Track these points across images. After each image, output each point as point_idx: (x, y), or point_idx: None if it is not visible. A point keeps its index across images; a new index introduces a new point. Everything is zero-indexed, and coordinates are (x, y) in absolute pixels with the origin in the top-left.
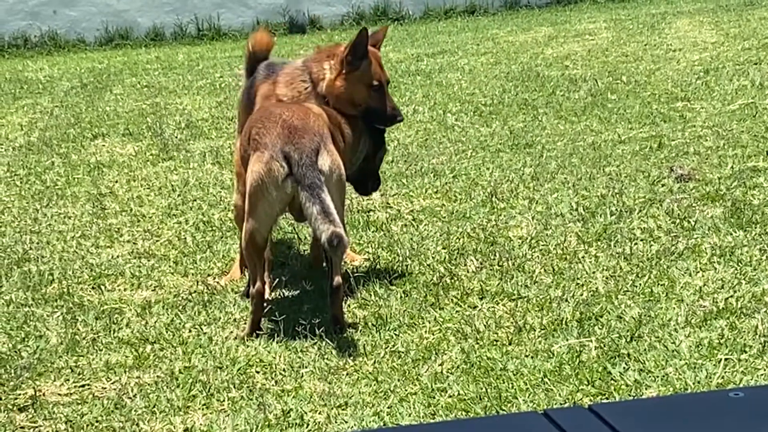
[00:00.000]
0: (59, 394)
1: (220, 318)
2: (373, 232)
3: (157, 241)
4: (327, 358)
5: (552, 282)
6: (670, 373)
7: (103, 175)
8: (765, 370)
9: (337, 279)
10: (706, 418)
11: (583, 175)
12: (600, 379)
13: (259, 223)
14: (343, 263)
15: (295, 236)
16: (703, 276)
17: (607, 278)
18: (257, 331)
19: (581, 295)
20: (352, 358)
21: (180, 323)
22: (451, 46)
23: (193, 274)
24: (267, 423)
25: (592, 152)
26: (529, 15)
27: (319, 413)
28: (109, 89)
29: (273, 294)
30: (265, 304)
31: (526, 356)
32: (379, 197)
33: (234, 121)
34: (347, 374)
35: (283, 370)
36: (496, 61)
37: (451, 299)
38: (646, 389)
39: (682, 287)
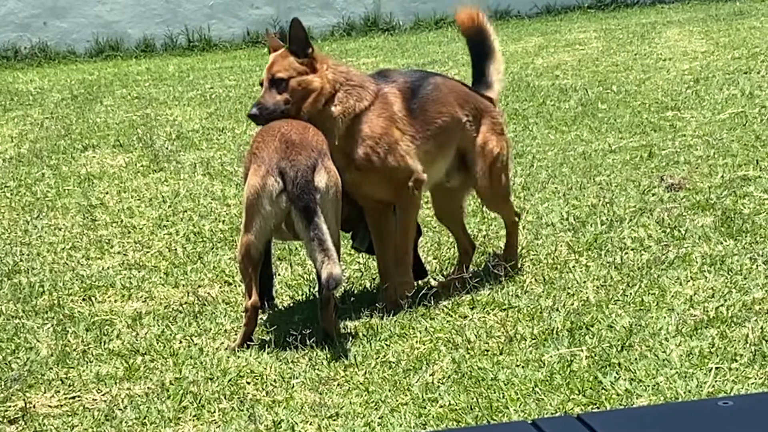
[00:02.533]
0: (50, 406)
1: (210, 329)
2: None
3: (147, 252)
4: (318, 369)
5: (543, 291)
6: (660, 383)
7: (93, 186)
8: (756, 378)
9: (328, 292)
10: (694, 427)
11: (574, 184)
12: (591, 388)
13: (255, 237)
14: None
15: (286, 247)
16: (693, 285)
17: (597, 288)
18: (248, 342)
19: (572, 304)
20: (343, 368)
21: (171, 334)
22: (442, 57)
23: (183, 285)
24: None
25: (582, 162)
26: (519, 25)
27: (310, 424)
28: (100, 101)
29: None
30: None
31: (517, 366)
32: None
33: (224, 132)
34: (338, 385)
35: (274, 380)
36: None
37: (442, 309)
38: (636, 398)
39: (672, 296)
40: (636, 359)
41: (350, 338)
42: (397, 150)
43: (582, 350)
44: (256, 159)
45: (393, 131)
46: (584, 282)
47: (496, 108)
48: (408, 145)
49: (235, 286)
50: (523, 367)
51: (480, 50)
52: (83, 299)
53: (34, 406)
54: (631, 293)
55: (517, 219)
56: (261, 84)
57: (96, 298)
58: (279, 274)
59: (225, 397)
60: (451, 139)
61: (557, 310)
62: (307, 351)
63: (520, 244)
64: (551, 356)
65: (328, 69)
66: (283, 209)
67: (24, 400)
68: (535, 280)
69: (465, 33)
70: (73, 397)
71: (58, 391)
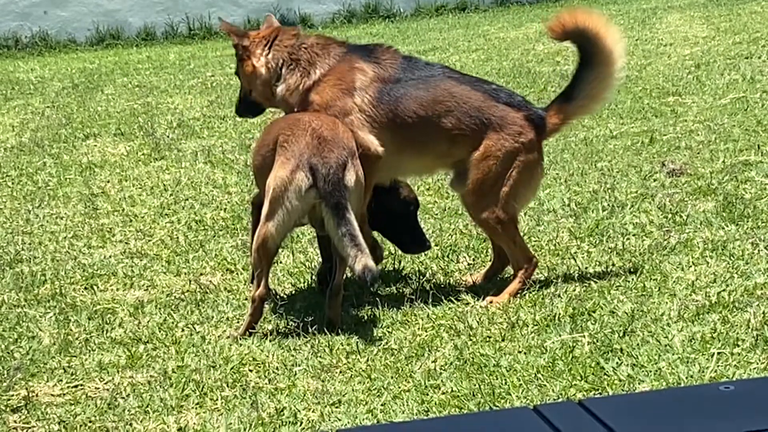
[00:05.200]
0: (52, 395)
1: (212, 317)
2: None
3: (149, 240)
4: (320, 356)
5: (545, 278)
6: (663, 368)
7: (94, 175)
8: (758, 363)
9: (339, 282)
10: (696, 412)
11: (575, 170)
12: (593, 374)
13: (275, 229)
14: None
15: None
16: (695, 270)
17: (599, 273)
18: (250, 330)
19: (574, 290)
20: (345, 355)
21: (173, 322)
22: (443, 43)
23: (185, 274)
24: (260, 421)
25: (584, 148)
26: (519, 11)
27: (313, 411)
28: (101, 89)
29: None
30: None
31: (519, 352)
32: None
33: (225, 120)
34: (340, 372)
35: (276, 368)
36: (488, 58)
37: (444, 296)
38: (639, 384)
39: (674, 282)
40: (638, 345)
41: (352, 325)
42: (344, 120)
43: (584, 336)
44: (285, 152)
45: (346, 101)
46: (586, 268)
47: (524, 123)
48: (359, 119)
49: (237, 273)
50: (525, 353)
51: (581, 56)
52: (85, 288)
53: (36, 395)
54: (632, 279)
55: (525, 266)
56: None
57: (98, 287)
58: (280, 262)
59: (227, 385)
60: (429, 146)
61: (559, 296)
62: (309, 338)
63: (521, 230)
64: (553, 342)
65: (272, 48)
66: (310, 204)
67: (26, 389)
68: (537, 266)
69: (557, 40)
70: (76, 386)
71: (61, 380)
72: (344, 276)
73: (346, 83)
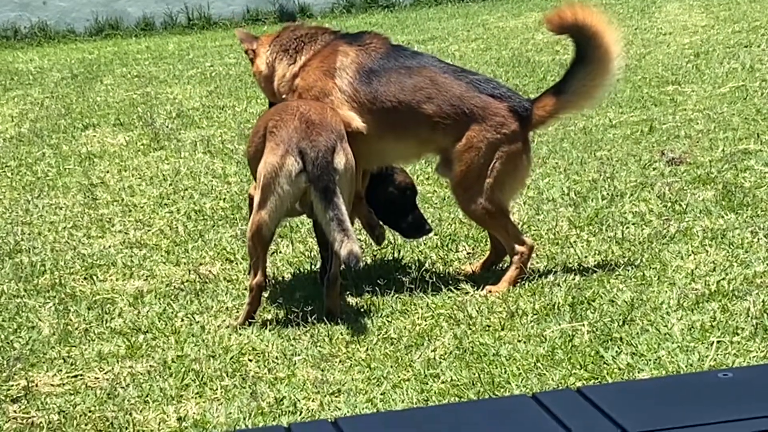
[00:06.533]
0: (52, 385)
1: (212, 307)
2: None
3: (148, 230)
4: (320, 346)
5: (544, 267)
6: (662, 357)
7: (94, 165)
8: (757, 351)
9: (336, 271)
10: (694, 399)
11: (575, 159)
12: (592, 363)
13: (268, 216)
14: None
15: (287, 224)
16: (695, 259)
17: (599, 262)
18: (249, 320)
19: (573, 279)
20: (344, 345)
21: (172, 312)
22: (442, 33)
23: (185, 264)
24: (260, 411)
25: (583, 137)
26: (519, 1)
27: (313, 400)
28: (100, 79)
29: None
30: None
31: (519, 341)
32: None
33: (224, 109)
34: (340, 361)
35: (276, 357)
36: (487, 47)
37: (443, 285)
38: (638, 373)
39: (674, 270)
40: (637, 333)
41: (352, 315)
42: (326, 101)
43: (583, 325)
44: (274, 138)
45: (327, 82)
46: (585, 257)
47: (507, 114)
48: (339, 98)
49: (237, 263)
50: (524, 342)
51: (577, 51)
52: (84, 278)
53: (36, 385)
54: (632, 268)
55: (522, 249)
56: None
57: (97, 277)
58: (280, 252)
59: (227, 375)
60: (410, 131)
61: (558, 285)
62: (308, 328)
63: (521, 219)
64: (553, 331)
65: (270, 47)
66: (301, 189)
67: (26, 379)
68: (536, 255)
69: (554, 33)
70: (75, 376)
71: (60, 370)
72: (341, 265)
73: (327, 65)
